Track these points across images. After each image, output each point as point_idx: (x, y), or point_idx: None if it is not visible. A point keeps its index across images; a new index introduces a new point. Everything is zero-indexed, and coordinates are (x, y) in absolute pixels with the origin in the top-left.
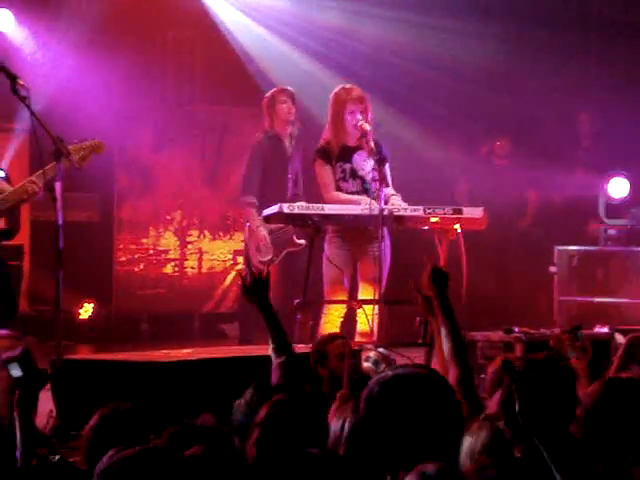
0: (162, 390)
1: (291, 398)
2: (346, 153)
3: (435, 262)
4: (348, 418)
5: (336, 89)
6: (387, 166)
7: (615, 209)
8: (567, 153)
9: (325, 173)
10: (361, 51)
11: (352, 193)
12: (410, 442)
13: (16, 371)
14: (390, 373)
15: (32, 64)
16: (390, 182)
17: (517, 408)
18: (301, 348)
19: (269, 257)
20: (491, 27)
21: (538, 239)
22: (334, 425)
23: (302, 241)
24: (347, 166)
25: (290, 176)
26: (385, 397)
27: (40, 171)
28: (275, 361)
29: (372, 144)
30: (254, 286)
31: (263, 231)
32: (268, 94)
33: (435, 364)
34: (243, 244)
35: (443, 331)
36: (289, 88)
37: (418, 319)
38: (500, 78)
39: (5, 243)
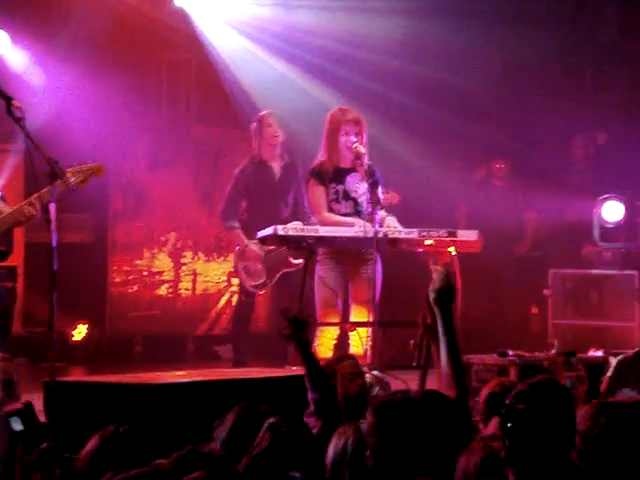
0: (156, 412)
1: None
2: (339, 174)
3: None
4: (350, 439)
5: (332, 110)
6: (380, 189)
7: (610, 232)
8: (562, 176)
9: (318, 194)
10: (359, 72)
11: (344, 215)
12: (418, 462)
13: (17, 425)
14: (399, 396)
15: (28, 85)
16: (382, 205)
17: (507, 444)
18: (295, 371)
19: (262, 280)
20: (490, 50)
21: (536, 264)
22: (334, 445)
23: (299, 261)
24: (340, 187)
25: (289, 200)
26: (397, 420)
27: (37, 194)
28: (310, 395)
29: (366, 166)
30: (294, 326)
31: (254, 248)
32: (256, 118)
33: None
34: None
35: (443, 351)
36: (274, 112)
37: (412, 342)
38: (498, 100)
39: None
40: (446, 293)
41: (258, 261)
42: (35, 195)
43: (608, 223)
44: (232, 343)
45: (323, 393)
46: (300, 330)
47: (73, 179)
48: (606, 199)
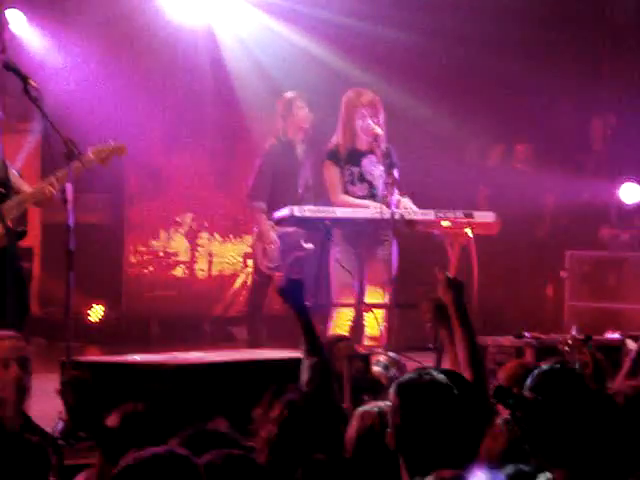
0: (173, 393)
1: (306, 400)
2: (355, 157)
3: (447, 272)
4: (376, 421)
5: (348, 92)
6: (396, 171)
7: (627, 215)
8: (580, 158)
9: (333, 175)
10: (380, 53)
11: (360, 197)
12: (441, 444)
13: None
14: (427, 377)
15: (44, 65)
16: (399, 187)
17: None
18: None
19: (276, 263)
20: (508, 33)
21: (553, 246)
22: (357, 428)
23: (310, 245)
24: (356, 170)
25: (301, 182)
26: (423, 401)
27: (58, 174)
28: (306, 362)
29: (383, 148)
30: (290, 288)
31: (273, 234)
32: (285, 98)
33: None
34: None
35: (459, 337)
36: (303, 94)
37: (428, 323)
38: (517, 83)
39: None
40: (455, 286)
41: (273, 244)
42: (55, 175)
43: (626, 205)
44: (247, 324)
45: (320, 357)
46: (297, 295)
47: (94, 158)
48: (624, 181)
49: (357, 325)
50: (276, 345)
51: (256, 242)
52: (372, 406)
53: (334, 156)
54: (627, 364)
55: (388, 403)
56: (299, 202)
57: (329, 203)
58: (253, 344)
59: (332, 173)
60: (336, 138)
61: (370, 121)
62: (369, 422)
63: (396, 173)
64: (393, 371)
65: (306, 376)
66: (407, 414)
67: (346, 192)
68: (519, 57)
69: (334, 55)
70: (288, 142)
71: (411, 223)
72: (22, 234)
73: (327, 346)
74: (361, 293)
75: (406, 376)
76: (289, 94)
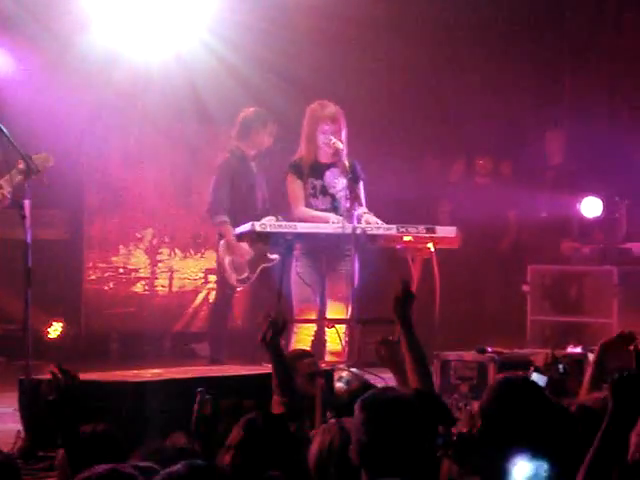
0: (133, 410)
1: (264, 419)
2: (318, 170)
3: (405, 284)
4: (335, 437)
5: (312, 105)
6: (361, 185)
7: (588, 228)
8: (541, 171)
9: (296, 188)
10: (339, 68)
11: (322, 210)
12: (405, 457)
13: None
14: (391, 393)
15: (2, 78)
16: (364, 201)
17: None
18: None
19: (245, 274)
20: (468, 47)
21: (516, 260)
22: (318, 444)
23: (275, 256)
24: (318, 183)
25: (259, 195)
26: (388, 417)
27: (7, 176)
28: (277, 397)
29: (345, 162)
30: (274, 336)
31: (244, 245)
32: (245, 116)
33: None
34: (216, 264)
35: (408, 360)
36: (263, 112)
37: (390, 338)
38: (476, 97)
39: None
40: (403, 301)
41: (245, 255)
42: (5, 177)
43: (587, 219)
44: (209, 340)
45: (292, 396)
46: (278, 334)
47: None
48: (584, 195)
49: (319, 340)
50: (237, 361)
51: (224, 255)
52: (333, 422)
53: (296, 169)
54: (587, 377)
55: (349, 419)
56: (259, 216)
57: (290, 216)
58: (214, 360)
59: (294, 186)
60: (299, 150)
61: (331, 136)
62: (329, 438)
63: (361, 186)
64: (355, 386)
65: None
66: (371, 429)
67: (308, 205)
68: (479, 70)
69: (296, 68)
70: (242, 157)
71: (373, 238)
72: None
73: (290, 362)
74: (323, 308)
75: (370, 392)
76: (249, 112)
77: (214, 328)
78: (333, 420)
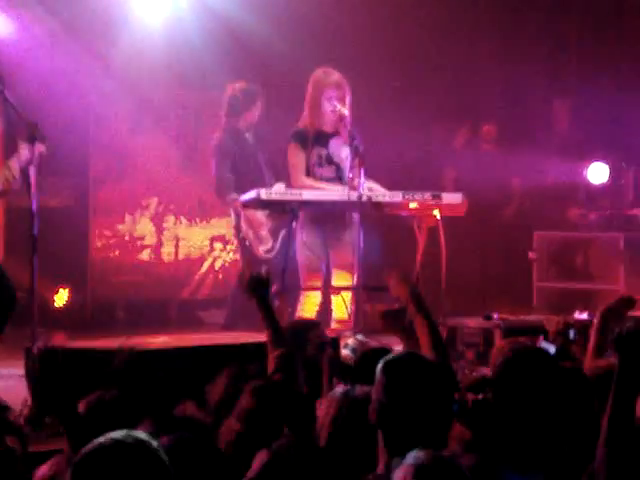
0: (139, 378)
1: (271, 385)
2: (322, 138)
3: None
4: (341, 406)
5: (315, 72)
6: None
7: (595, 195)
8: (547, 139)
9: (298, 157)
10: (344, 33)
11: (327, 179)
12: (421, 423)
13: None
14: (411, 358)
15: (7, 46)
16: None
17: None
18: None
19: (270, 244)
20: (477, 14)
21: (522, 227)
22: (325, 412)
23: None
24: (323, 152)
25: (262, 162)
26: (408, 378)
27: (14, 156)
28: (272, 354)
29: (349, 129)
30: (254, 283)
31: (262, 217)
32: (235, 91)
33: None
34: (239, 239)
35: (419, 322)
36: (256, 87)
37: (396, 305)
38: (484, 64)
39: None
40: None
41: (263, 226)
42: (12, 158)
43: (594, 185)
44: (228, 307)
45: (285, 348)
46: (260, 290)
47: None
48: (591, 161)
49: (325, 308)
50: (249, 329)
51: (246, 230)
52: (338, 390)
53: (299, 138)
54: (591, 344)
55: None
56: (266, 185)
57: (291, 185)
58: (230, 327)
59: (296, 156)
60: (303, 119)
61: (336, 102)
62: (335, 406)
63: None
64: (361, 353)
65: (272, 366)
66: (391, 391)
67: (313, 174)
68: (487, 38)
69: (297, 37)
70: (236, 131)
71: (378, 205)
72: None
73: (301, 332)
74: (328, 276)
75: (392, 355)
76: (237, 90)
77: (235, 298)
78: (339, 388)
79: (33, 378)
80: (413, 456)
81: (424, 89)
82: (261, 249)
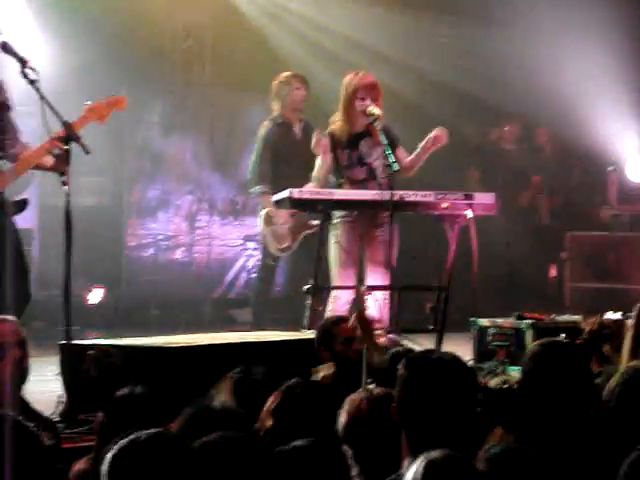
0: (173, 375)
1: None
2: (354, 140)
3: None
4: (363, 402)
5: (348, 75)
6: (401, 147)
7: (627, 195)
8: (578, 140)
9: (322, 161)
10: (370, 40)
11: (361, 180)
12: (443, 421)
13: None
14: (435, 354)
15: (40, 46)
16: (405, 161)
17: None
18: (310, 334)
19: (286, 244)
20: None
21: (554, 227)
22: (346, 411)
23: (317, 222)
24: (354, 153)
25: (303, 159)
26: (429, 376)
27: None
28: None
29: (380, 129)
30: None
31: (285, 215)
32: (281, 77)
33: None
34: (260, 234)
35: None
36: (300, 74)
37: (428, 305)
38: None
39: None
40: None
41: (285, 224)
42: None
43: (632, 183)
44: (253, 307)
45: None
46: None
47: (91, 115)
48: (628, 159)
49: (358, 307)
50: (278, 327)
51: (265, 225)
52: (362, 390)
53: (331, 140)
54: (627, 344)
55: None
56: (303, 183)
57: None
58: (257, 326)
59: (319, 160)
60: (336, 120)
61: (369, 102)
62: (357, 406)
63: (402, 149)
64: (393, 353)
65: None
66: (414, 387)
67: (346, 176)
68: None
69: (332, 37)
70: (284, 123)
71: (411, 205)
72: (23, 202)
73: (328, 328)
74: (361, 275)
75: (415, 352)
76: (284, 74)
77: (257, 296)
78: (368, 387)
79: (68, 375)
80: (426, 454)
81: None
82: (276, 246)
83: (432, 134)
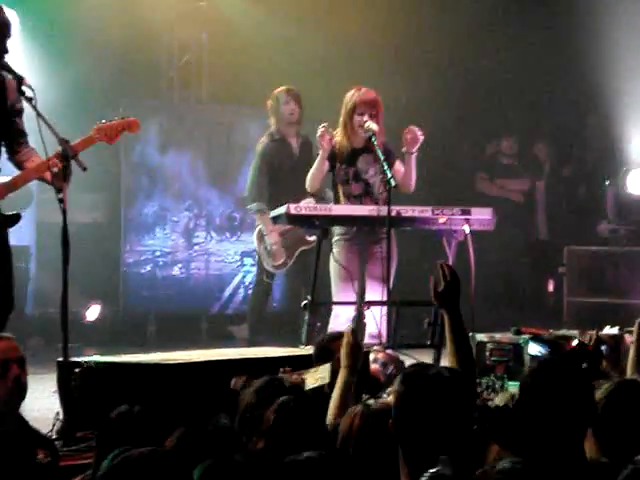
0: (170, 392)
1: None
2: (352, 156)
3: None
4: (357, 416)
5: (350, 91)
6: (397, 162)
7: (624, 209)
8: (576, 152)
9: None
10: (368, 52)
11: (356, 196)
12: (439, 437)
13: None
14: (432, 370)
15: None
16: (400, 179)
17: None
18: (308, 350)
19: (282, 260)
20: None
21: (551, 242)
22: (342, 424)
23: (313, 238)
24: (351, 169)
25: (301, 175)
26: (425, 391)
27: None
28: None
29: (378, 146)
30: (447, 290)
31: (275, 235)
32: (273, 94)
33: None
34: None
35: (451, 348)
36: (293, 88)
37: (426, 320)
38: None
39: (11, 245)
40: (451, 292)
41: (276, 245)
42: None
43: (632, 195)
44: (249, 323)
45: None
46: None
47: (99, 136)
48: (628, 170)
49: (358, 323)
50: (275, 343)
51: (259, 242)
52: (360, 405)
53: (330, 155)
54: (631, 358)
55: (381, 400)
56: (300, 199)
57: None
58: (253, 342)
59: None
60: (336, 136)
61: (367, 117)
62: (353, 420)
63: (398, 163)
64: (391, 368)
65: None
66: (410, 402)
67: (343, 191)
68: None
69: (332, 50)
70: (281, 139)
71: (408, 220)
72: (15, 217)
73: (326, 344)
74: (361, 291)
75: (411, 367)
76: (277, 90)
77: (253, 312)
78: (362, 403)
79: (65, 392)
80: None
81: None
82: (272, 263)
83: (406, 137)
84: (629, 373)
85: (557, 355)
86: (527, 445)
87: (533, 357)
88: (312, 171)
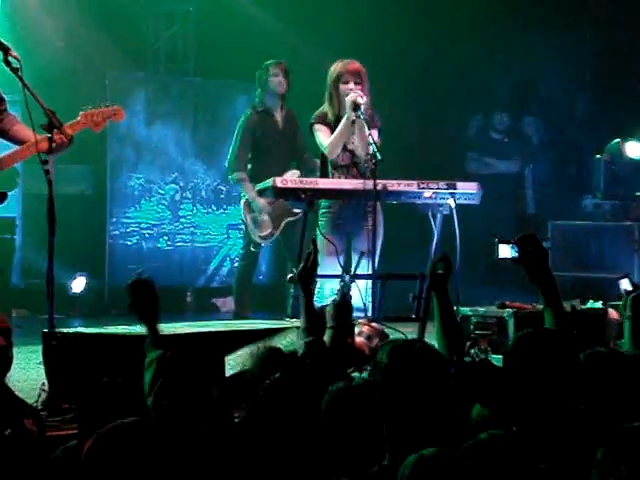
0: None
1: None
2: (338, 126)
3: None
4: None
5: (335, 63)
6: (375, 132)
7: (609, 184)
8: (564, 128)
9: (324, 132)
10: (360, 27)
11: (342, 166)
12: (424, 414)
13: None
14: (419, 344)
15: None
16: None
17: None
18: (294, 322)
19: (268, 231)
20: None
21: (536, 216)
22: (327, 395)
23: (299, 210)
24: None
25: (287, 150)
26: (409, 364)
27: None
28: (301, 341)
29: (367, 115)
30: (305, 272)
31: (261, 201)
32: (261, 67)
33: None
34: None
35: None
36: (282, 62)
37: (411, 294)
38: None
39: None
40: (445, 278)
41: (264, 210)
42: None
43: (607, 175)
44: (234, 295)
45: (317, 338)
46: (307, 279)
47: (86, 121)
48: (625, 139)
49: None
50: (261, 316)
51: (245, 213)
52: (343, 380)
53: (322, 120)
54: (628, 333)
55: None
56: (284, 171)
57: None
58: (239, 315)
59: (322, 131)
60: (323, 107)
61: (352, 86)
62: (337, 395)
63: (375, 133)
64: (376, 341)
65: (301, 351)
66: (395, 375)
67: (329, 162)
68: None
69: (318, 27)
70: (266, 111)
71: (393, 194)
72: (1, 197)
73: (318, 318)
74: (346, 264)
75: (399, 341)
76: (266, 63)
77: (239, 284)
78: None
79: (51, 363)
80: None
81: (437, 77)
82: (257, 234)
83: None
84: (626, 348)
85: (525, 253)
86: (508, 404)
87: (503, 259)
88: (337, 137)
